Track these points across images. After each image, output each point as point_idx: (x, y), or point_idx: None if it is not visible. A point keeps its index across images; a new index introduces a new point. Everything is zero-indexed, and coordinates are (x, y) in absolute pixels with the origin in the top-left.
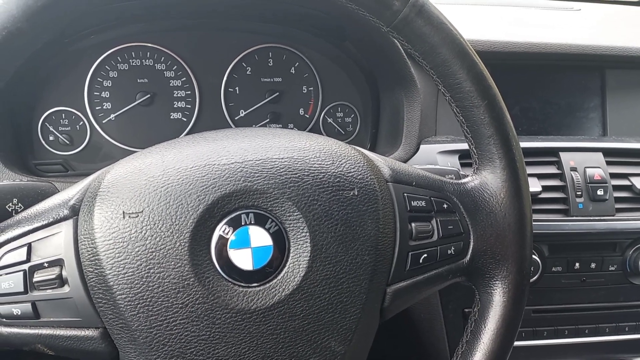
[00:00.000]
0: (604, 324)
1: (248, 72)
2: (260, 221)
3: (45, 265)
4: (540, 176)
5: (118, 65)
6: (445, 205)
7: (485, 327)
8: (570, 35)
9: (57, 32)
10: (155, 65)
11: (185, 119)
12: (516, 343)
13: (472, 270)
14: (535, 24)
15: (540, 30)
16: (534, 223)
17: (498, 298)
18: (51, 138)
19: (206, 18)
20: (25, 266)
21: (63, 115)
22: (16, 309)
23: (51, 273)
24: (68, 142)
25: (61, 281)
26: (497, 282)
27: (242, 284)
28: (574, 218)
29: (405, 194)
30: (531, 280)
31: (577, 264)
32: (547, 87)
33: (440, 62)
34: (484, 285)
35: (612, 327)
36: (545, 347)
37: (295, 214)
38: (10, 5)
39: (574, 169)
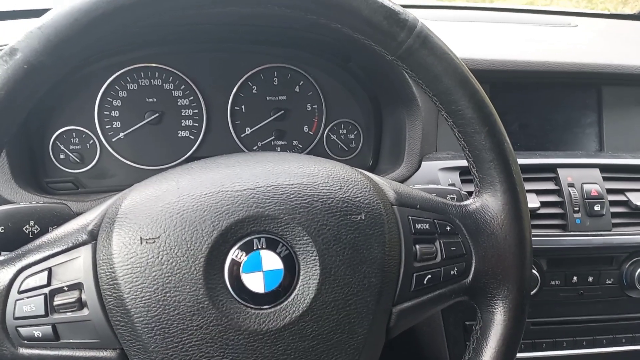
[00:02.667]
0: (601, 336)
1: (254, 91)
2: (272, 245)
3: (65, 289)
4: (539, 192)
5: (127, 85)
6: (448, 228)
7: (486, 345)
8: (567, 52)
9: (77, 62)
10: (164, 85)
11: (192, 137)
12: (516, 355)
13: (474, 290)
14: (533, 41)
15: (538, 47)
16: (533, 238)
17: (499, 317)
18: (62, 157)
19: (214, 42)
20: (46, 290)
21: (74, 134)
22: (37, 331)
23: (71, 296)
24: (79, 161)
25: (80, 304)
26: (498, 301)
27: (254, 307)
28: (572, 233)
29: (410, 217)
30: (530, 293)
31: (575, 278)
32: (545, 103)
33: (443, 90)
34: (485, 305)
35: (610, 339)
36: (544, 358)
37: (305, 238)
38: (33, 40)
39: (571, 185)
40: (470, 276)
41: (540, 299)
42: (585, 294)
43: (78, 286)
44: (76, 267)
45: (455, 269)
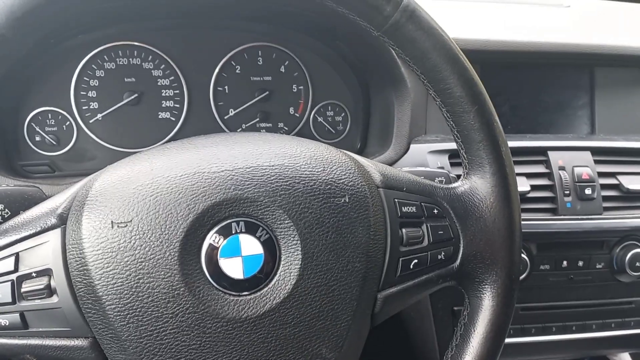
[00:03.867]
0: (591, 321)
1: (237, 71)
2: (251, 229)
3: (34, 275)
4: (529, 175)
5: (105, 64)
6: (435, 211)
7: (474, 331)
8: (560, 32)
9: (42, 35)
10: (143, 64)
11: (173, 119)
12: (505, 340)
13: (462, 274)
14: (525, 21)
15: (530, 27)
16: (522, 222)
17: (487, 302)
18: (37, 139)
19: (194, 17)
20: (13, 276)
21: (49, 115)
22: (4, 320)
23: (39, 283)
24: (55, 143)
25: (50, 291)
26: (486, 286)
27: (233, 293)
28: (562, 217)
29: (396, 200)
30: (520, 278)
31: (564, 262)
32: (536, 84)
33: (430, 67)
34: (473, 290)
35: (599, 323)
36: (534, 344)
37: (286, 222)
38: None
39: (562, 168)
40: (458, 260)
41: (529, 284)
42: (575, 279)
43: (47, 272)
44: (45, 253)
45: (443, 254)
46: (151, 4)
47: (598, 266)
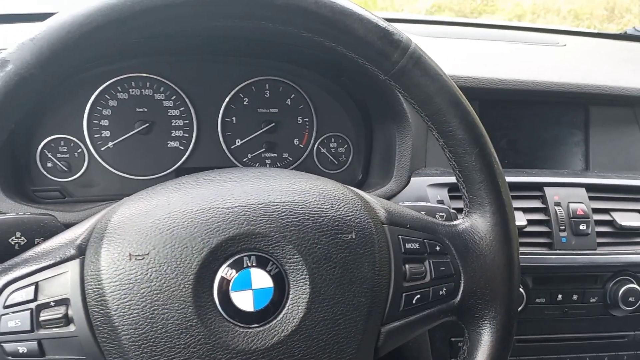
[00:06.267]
0: (585, 354)
1: (245, 103)
2: (262, 264)
3: (52, 304)
4: (526, 210)
5: (118, 94)
6: (437, 247)
7: None
8: (556, 71)
9: (67, 73)
10: (155, 95)
11: (182, 148)
12: None
13: (463, 310)
14: (522, 60)
15: (527, 66)
16: (520, 256)
17: (486, 337)
18: (49, 165)
19: (206, 52)
20: (32, 305)
21: (62, 142)
22: (22, 347)
23: (57, 312)
24: (66, 169)
25: (67, 320)
26: (485, 322)
27: (243, 325)
28: (558, 252)
29: (400, 237)
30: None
31: (559, 296)
32: (533, 121)
33: (435, 110)
34: (473, 325)
35: (593, 357)
36: None
37: (295, 256)
38: (25, 52)
39: (557, 204)
40: (459, 296)
41: (525, 316)
42: (570, 312)
43: (65, 302)
44: (63, 282)
45: (444, 289)
46: (169, 41)
47: (592, 300)
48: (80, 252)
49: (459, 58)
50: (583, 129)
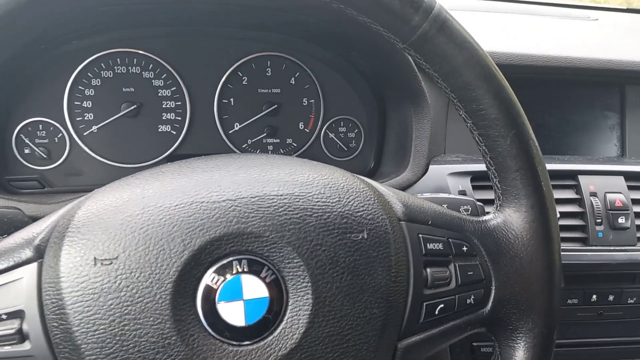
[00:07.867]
0: None
1: (244, 82)
2: (255, 269)
3: (4, 317)
4: (558, 201)
5: (102, 72)
6: (464, 248)
7: None
8: (588, 47)
9: (35, 35)
10: (143, 73)
11: (174, 132)
12: None
13: (494, 321)
14: (552, 34)
15: (557, 41)
16: None
17: (521, 354)
18: (27, 151)
19: (199, 24)
20: None
21: (40, 126)
22: None
23: (10, 327)
24: (45, 156)
25: (21, 336)
26: (520, 335)
27: (233, 342)
28: (593, 247)
29: (421, 235)
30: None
31: (594, 296)
32: (563, 103)
33: (462, 85)
34: (505, 338)
35: None
36: None
37: (295, 260)
38: None
39: (593, 194)
40: (489, 305)
41: None
42: (605, 314)
43: (19, 314)
44: (17, 291)
45: (472, 297)
46: (158, 10)
47: (630, 301)
48: (39, 254)
49: (483, 32)
50: (619, 111)
